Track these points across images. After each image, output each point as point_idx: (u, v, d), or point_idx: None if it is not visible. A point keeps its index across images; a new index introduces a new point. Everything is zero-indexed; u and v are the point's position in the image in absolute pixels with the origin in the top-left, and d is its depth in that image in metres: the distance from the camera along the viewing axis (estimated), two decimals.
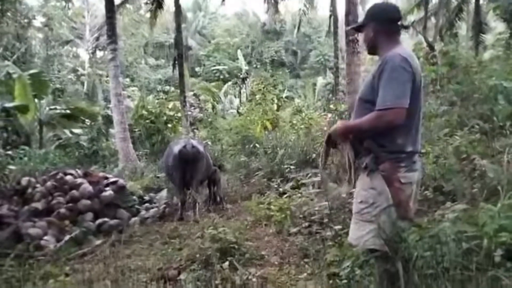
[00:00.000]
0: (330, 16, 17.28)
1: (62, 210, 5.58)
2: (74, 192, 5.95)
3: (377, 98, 2.04)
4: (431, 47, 12.83)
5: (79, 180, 6.22)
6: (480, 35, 16.44)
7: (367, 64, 18.04)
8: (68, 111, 14.02)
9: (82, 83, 27.75)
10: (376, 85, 2.09)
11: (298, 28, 22.32)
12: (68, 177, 6.21)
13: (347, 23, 8.42)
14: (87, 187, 6.06)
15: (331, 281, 3.08)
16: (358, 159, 2.22)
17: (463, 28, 20.03)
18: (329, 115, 9.94)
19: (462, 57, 8.74)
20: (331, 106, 10.84)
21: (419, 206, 2.88)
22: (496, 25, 19.40)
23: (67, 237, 5.06)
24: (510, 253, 2.32)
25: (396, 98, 1.98)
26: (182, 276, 3.54)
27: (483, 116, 5.60)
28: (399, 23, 2.28)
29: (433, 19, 17.66)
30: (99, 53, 29.11)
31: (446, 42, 15.49)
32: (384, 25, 2.24)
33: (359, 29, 2.46)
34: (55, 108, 14.07)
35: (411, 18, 18.67)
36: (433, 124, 5.95)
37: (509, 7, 15.25)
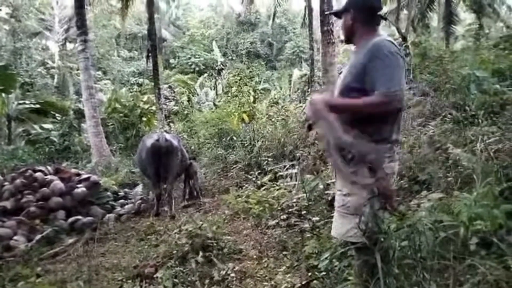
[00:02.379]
0: (305, 7, 17.27)
1: (32, 209, 5.38)
2: (44, 189, 5.75)
3: (374, 83, 1.98)
4: (403, 38, 13.04)
5: (49, 177, 6.01)
6: (451, 26, 16.80)
7: (342, 55, 18.17)
8: (37, 105, 13.57)
9: (52, 77, 26.86)
10: (366, 72, 2.04)
11: (273, 19, 22.25)
12: (38, 174, 5.99)
13: (322, 13, 8.41)
14: (58, 184, 5.86)
15: (310, 274, 3.08)
16: (342, 150, 2.16)
17: (434, 20, 20.41)
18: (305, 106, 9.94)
19: (434, 47, 8.89)
20: (307, 97, 10.85)
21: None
22: (466, 17, 19.88)
23: (38, 237, 4.90)
24: (485, 241, 2.36)
25: (398, 83, 1.95)
26: (159, 273, 3.46)
27: (456, 105, 5.71)
28: (378, 12, 2.23)
29: (405, 11, 17.93)
30: (69, 46, 28.19)
31: (418, 33, 15.78)
32: (364, 14, 2.20)
33: (338, 15, 2.38)
34: (24, 103, 13.61)
35: (384, 9, 18.89)
36: (407, 115, 6.03)
37: None
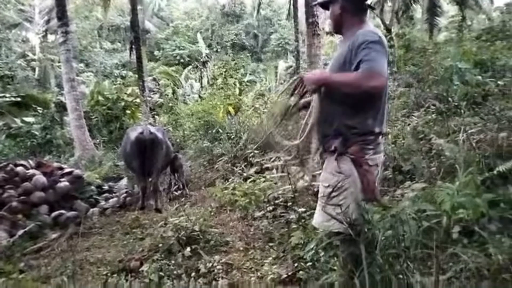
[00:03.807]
0: None
1: (14, 204, 5.28)
2: (26, 184, 5.64)
3: (359, 65, 1.97)
4: (388, 29, 13.11)
5: (31, 171, 5.89)
6: (434, 18, 16.95)
7: (327, 46, 18.19)
8: (18, 99, 13.21)
9: (33, 69, 26.26)
10: (350, 62, 2.04)
11: (258, 10, 22.12)
12: (19, 168, 5.87)
13: (307, 5, 8.38)
14: (40, 178, 5.75)
15: (296, 264, 3.09)
16: (326, 142, 2.17)
17: (418, 11, 20.56)
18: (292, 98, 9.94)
19: (417, 39, 8.96)
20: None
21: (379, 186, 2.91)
22: (449, 9, 20.06)
23: (20, 232, 4.80)
24: (467, 230, 2.40)
25: (381, 67, 1.94)
26: (144, 267, 3.44)
27: (439, 96, 5.78)
28: (366, 2, 2.24)
29: (389, 2, 18.01)
30: (50, 37, 27.54)
31: (402, 25, 15.89)
32: (352, 4, 2.19)
33: (325, 6, 2.35)
34: (4, 96, 13.22)
35: (369, 0, 18.95)
36: (391, 106, 6.08)
37: None
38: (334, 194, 2.08)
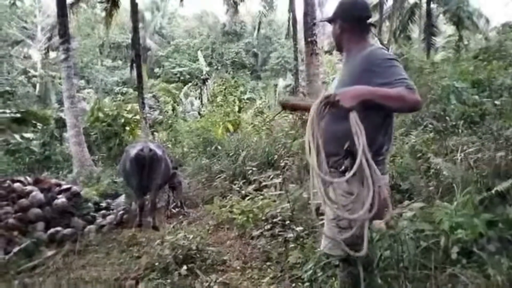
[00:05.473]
0: (289, 18, 17.47)
1: (11, 220, 5.23)
2: (23, 200, 5.60)
3: (389, 82, 1.88)
4: (386, 49, 13.26)
5: (28, 188, 5.86)
6: (431, 37, 17.19)
7: (326, 65, 18.37)
8: (18, 115, 13.25)
9: (34, 86, 26.43)
10: (364, 79, 1.94)
11: (258, 29, 22.41)
12: (17, 185, 5.84)
13: (306, 24, 8.51)
14: (37, 194, 5.72)
15: (293, 284, 3.06)
16: (335, 161, 2.06)
17: (415, 31, 20.87)
18: (290, 116, 9.99)
19: (415, 58, 9.05)
20: None
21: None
22: (446, 28, 20.36)
23: (16, 249, 4.74)
24: (465, 250, 2.38)
25: (411, 83, 1.87)
26: (140, 286, 3.39)
27: (437, 115, 5.81)
28: (367, 21, 2.18)
29: (387, 22, 18.29)
30: (52, 54, 27.82)
31: (400, 44, 16.09)
32: (350, 24, 2.17)
33: (330, 21, 2.33)
34: (4, 112, 13.25)
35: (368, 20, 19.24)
36: None
37: (457, 11, 16.03)
38: (344, 215, 1.94)
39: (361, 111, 1.88)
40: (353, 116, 1.88)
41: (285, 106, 2.44)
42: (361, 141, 1.83)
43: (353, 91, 1.88)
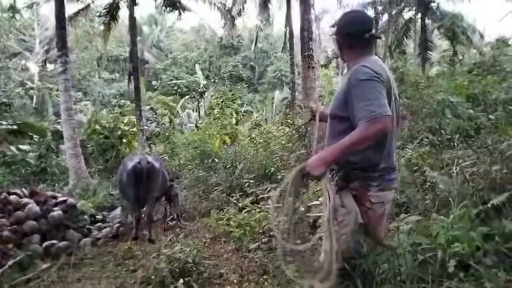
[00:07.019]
0: (285, 32, 17.65)
1: (6, 233, 5.17)
2: (19, 212, 5.55)
3: (354, 111, 1.91)
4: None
5: (24, 200, 5.82)
6: (426, 52, 17.42)
7: (322, 79, 18.52)
8: (15, 126, 13.22)
9: (31, 97, 26.45)
10: (347, 100, 1.99)
11: (255, 43, 22.58)
12: (13, 197, 5.79)
13: (303, 39, 8.60)
14: (33, 207, 5.68)
15: None
16: (332, 175, 2.11)
17: (410, 46, 21.13)
18: (287, 129, 10.04)
19: (410, 73, 9.15)
20: (289, 120, 10.97)
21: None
22: (441, 43, 20.63)
23: (10, 262, 4.67)
24: (462, 263, 2.39)
25: (378, 106, 1.84)
26: None
27: (432, 129, 5.85)
28: (366, 35, 2.14)
29: (382, 37, 18.51)
30: (49, 66, 27.94)
31: (395, 59, 16.28)
32: (347, 39, 2.18)
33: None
34: (1, 124, 13.22)
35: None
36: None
37: (452, 26, 16.28)
38: (336, 228, 1.99)
39: (348, 130, 1.95)
40: (324, 182, 2.01)
41: (315, 115, 2.47)
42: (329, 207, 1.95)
43: (317, 161, 1.95)
